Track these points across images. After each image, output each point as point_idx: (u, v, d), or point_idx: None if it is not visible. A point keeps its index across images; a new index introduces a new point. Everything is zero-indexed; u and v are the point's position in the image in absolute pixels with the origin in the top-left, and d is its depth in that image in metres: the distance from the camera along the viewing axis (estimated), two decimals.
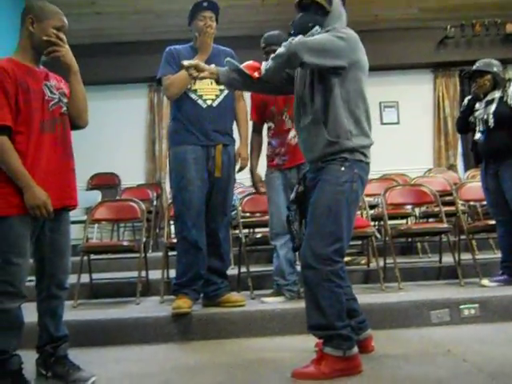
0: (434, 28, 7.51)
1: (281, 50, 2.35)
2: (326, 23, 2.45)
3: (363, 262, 4.61)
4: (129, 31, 7.12)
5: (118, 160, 7.37)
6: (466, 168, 7.57)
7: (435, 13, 7.31)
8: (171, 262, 4.20)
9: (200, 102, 3.36)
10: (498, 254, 4.18)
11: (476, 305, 3.28)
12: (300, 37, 2.34)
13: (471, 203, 5.26)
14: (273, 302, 3.49)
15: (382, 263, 4.22)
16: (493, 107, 3.80)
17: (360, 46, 2.43)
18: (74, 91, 2.44)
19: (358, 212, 4.66)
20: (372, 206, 5.51)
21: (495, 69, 3.89)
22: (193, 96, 3.37)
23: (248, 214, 4.56)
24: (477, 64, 3.96)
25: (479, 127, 3.89)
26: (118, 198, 6.13)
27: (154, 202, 6.27)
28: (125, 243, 4.42)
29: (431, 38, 7.56)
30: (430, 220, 5.61)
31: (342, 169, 2.36)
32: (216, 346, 3.08)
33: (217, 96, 3.39)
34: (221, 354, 2.89)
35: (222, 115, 3.40)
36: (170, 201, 4.49)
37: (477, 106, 3.95)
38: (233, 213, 4.75)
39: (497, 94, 3.84)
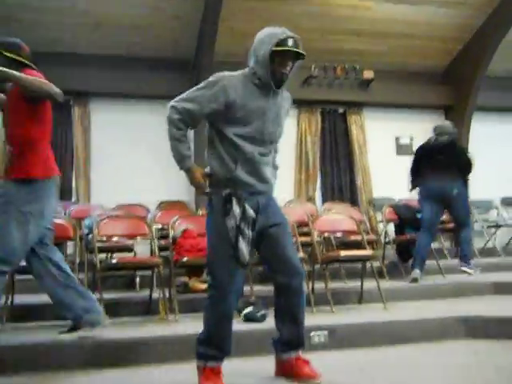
0: (300, 67, 7.84)
1: None
2: None
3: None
4: None
5: None
6: (324, 200, 7.99)
7: None
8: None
9: None
10: (349, 284, 4.36)
11: (325, 332, 3.40)
12: None
13: (326, 234, 5.50)
14: None
15: None
16: None
17: None
18: None
19: None
20: None
21: None
22: None
23: (104, 238, 4.37)
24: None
25: None
26: None
27: None
28: None
29: (297, 76, 7.83)
30: None
31: None
32: None
33: None
34: None
35: None
36: None
37: None
38: (89, 236, 4.55)
39: None
